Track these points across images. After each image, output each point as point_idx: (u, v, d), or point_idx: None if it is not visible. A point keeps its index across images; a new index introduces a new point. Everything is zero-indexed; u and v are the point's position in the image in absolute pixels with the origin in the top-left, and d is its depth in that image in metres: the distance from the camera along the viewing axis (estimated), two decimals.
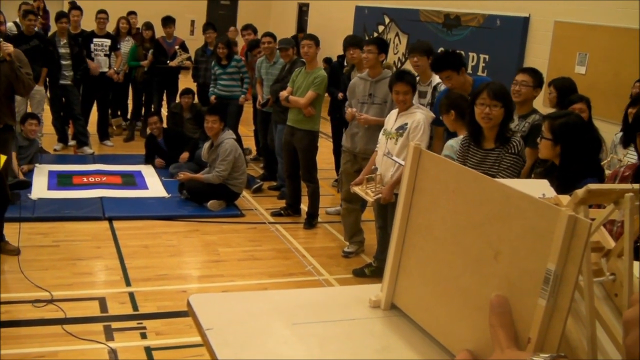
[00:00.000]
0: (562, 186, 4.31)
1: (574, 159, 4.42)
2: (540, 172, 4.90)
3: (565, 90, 6.64)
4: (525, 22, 12.68)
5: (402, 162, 6.09)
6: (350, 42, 8.80)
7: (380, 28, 17.31)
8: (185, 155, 10.56)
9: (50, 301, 6.12)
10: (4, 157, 6.60)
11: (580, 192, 1.36)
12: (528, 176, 5.45)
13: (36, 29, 12.33)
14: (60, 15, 11.46)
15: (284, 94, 8.51)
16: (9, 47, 7.02)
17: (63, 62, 11.18)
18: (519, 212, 1.23)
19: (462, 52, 10.81)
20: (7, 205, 7.21)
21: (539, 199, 1.22)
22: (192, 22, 24.10)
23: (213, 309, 1.60)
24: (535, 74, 6.28)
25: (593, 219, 1.34)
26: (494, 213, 1.29)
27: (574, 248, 1.12)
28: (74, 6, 12.39)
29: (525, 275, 1.18)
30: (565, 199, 1.50)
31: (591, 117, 6.29)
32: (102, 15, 12.11)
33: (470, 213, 1.36)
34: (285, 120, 8.98)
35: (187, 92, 11.76)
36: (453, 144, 5.63)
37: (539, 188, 1.69)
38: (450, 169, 1.45)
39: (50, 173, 9.90)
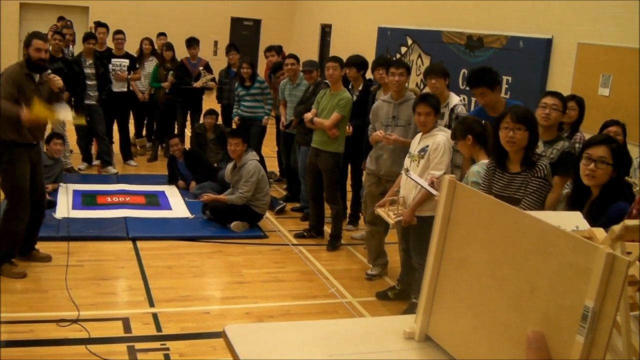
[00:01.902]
0: (594, 211, 4.30)
1: (615, 182, 4.40)
2: (568, 203, 4.83)
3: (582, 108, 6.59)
4: (548, 43, 12.65)
5: (420, 181, 6.08)
6: (379, 62, 8.78)
7: (403, 49, 17.33)
8: (193, 184, 10.59)
9: (75, 321, 6.14)
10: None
11: (617, 228, 1.36)
12: (556, 209, 5.34)
13: (72, 51, 12.52)
14: (88, 36, 11.57)
15: (308, 115, 8.53)
16: (59, 82, 7.18)
17: (88, 82, 11.27)
18: (555, 248, 1.23)
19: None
20: (43, 215, 7.49)
21: (576, 236, 1.22)
22: (215, 42, 24.28)
23: (249, 340, 1.60)
24: (562, 98, 6.14)
25: (629, 253, 1.35)
26: (530, 248, 1.29)
27: (612, 285, 1.12)
28: (100, 24, 12.51)
29: (563, 311, 1.18)
30: (598, 232, 1.50)
31: (626, 142, 6.23)
32: (119, 35, 12.21)
33: (506, 247, 1.36)
34: (308, 142, 9.01)
35: (211, 112, 11.82)
36: (479, 169, 5.57)
37: (572, 220, 1.69)
38: (486, 202, 1.46)
39: (75, 192, 9.96)
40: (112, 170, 11.62)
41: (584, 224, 1.71)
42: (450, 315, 1.55)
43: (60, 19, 18.79)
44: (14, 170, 6.92)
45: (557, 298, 1.22)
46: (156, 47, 13.12)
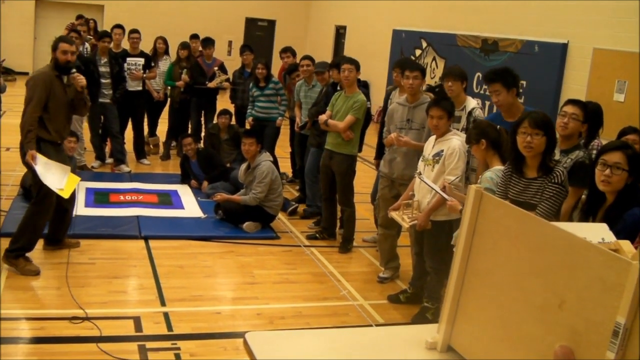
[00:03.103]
0: (609, 217, 4.26)
1: (631, 188, 4.38)
2: (582, 209, 4.79)
3: (595, 114, 6.49)
4: (563, 48, 12.63)
5: (433, 185, 6.06)
6: (397, 63, 8.72)
7: (418, 52, 17.32)
8: (205, 184, 10.60)
9: (87, 318, 6.15)
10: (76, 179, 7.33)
11: None
12: (571, 216, 5.28)
13: (87, 48, 12.54)
14: (103, 35, 11.61)
15: (323, 117, 8.51)
16: (83, 80, 7.27)
17: (103, 81, 11.29)
18: (584, 262, 1.21)
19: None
20: (72, 206, 7.71)
21: (607, 250, 1.20)
22: (230, 42, 24.30)
23: (270, 347, 1.59)
24: (584, 107, 5.92)
25: None
26: (558, 261, 1.27)
27: None
28: (116, 25, 12.54)
29: (592, 327, 1.16)
30: (625, 244, 1.47)
31: None
32: (134, 34, 12.24)
33: (533, 259, 1.34)
34: (319, 144, 9.00)
35: (225, 112, 11.83)
36: (492, 175, 5.52)
37: (598, 232, 1.66)
38: (512, 213, 1.44)
39: (88, 190, 9.97)
40: (125, 168, 11.64)
41: (609, 236, 1.69)
42: (474, 326, 1.53)
43: (79, 17, 18.87)
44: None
45: (586, 313, 1.19)
46: (192, 48, 13.09)
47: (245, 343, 1.61)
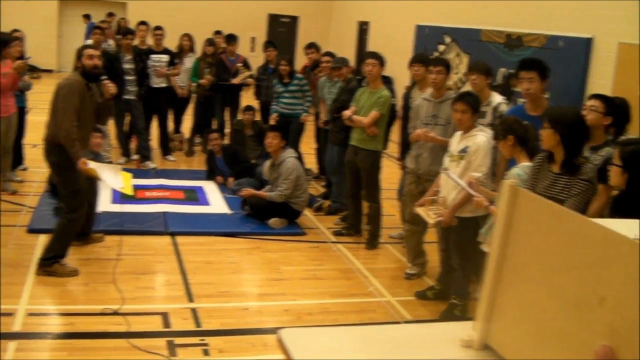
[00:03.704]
0: (628, 214, 4.24)
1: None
2: (613, 204, 4.78)
3: (622, 109, 6.42)
4: (588, 43, 12.54)
5: (459, 181, 6.05)
6: (417, 59, 8.68)
7: (441, 48, 17.26)
8: (231, 180, 10.65)
9: (116, 313, 6.20)
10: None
11: None
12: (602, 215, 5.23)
13: (110, 44, 12.61)
14: (126, 32, 11.68)
15: (347, 113, 8.51)
16: (112, 89, 7.38)
17: (127, 78, 11.35)
18: (621, 257, 1.20)
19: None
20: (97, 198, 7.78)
21: None
22: (253, 39, 24.31)
23: (303, 344, 1.59)
24: (606, 100, 5.85)
25: None
26: (593, 256, 1.27)
27: None
28: (141, 22, 12.61)
29: (634, 325, 1.15)
30: None
31: None
32: (158, 31, 12.30)
33: (568, 255, 1.34)
34: (339, 140, 9.03)
35: (249, 109, 11.87)
36: (519, 172, 5.49)
37: (631, 228, 1.66)
38: (548, 208, 1.44)
39: None
40: (150, 165, 11.70)
41: None
42: (510, 323, 1.53)
43: (110, 14, 19.07)
44: (71, 173, 7.05)
45: (627, 311, 1.18)
46: (216, 44, 13.12)
47: (279, 340, 1.62)
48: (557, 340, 1.36)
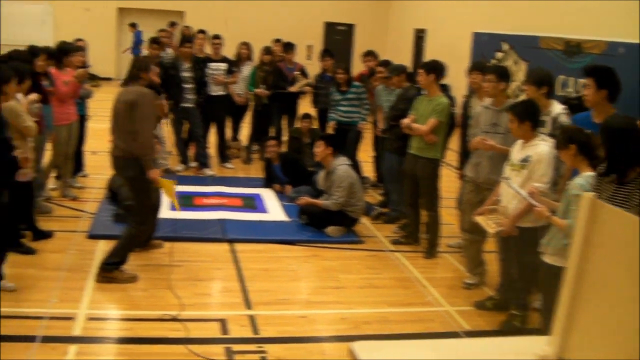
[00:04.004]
0: None
1: None
2: None
3: None
4: None
5: (521, 191, 5.94)
6: (475, 67, 8.61)
7: (499, 55, 17.09)
8: (288, 188, 10.66)
9: (175, 319, 6.22)
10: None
11: None
12: None
13: (168, 52, 12.74)
14: (184, 40, 11.76)
15: (405, 121, 8.45)
16: (166, 108, 7.49)
17: (185, 86, 11.43)
18: None
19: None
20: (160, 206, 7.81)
21: None
22: (310, 47, 24.37)
23: (376, 357, 1.55)
24: None
25: None
26: None
27: None
28: (199, 30, 12.70)
29: None
30: None
31: None
32: (216, 40, 12.36)
33: None
34: (396, 149, 9.00)
35: (306, 116, 11.88)
36: (582, 182, 5.36)
37: None
38: (630, 222, 1.37)
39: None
40: (208, 172, 11.76)
41: None
42: (589, 339, 1.46)
43: (173, 24, 19.33)
44: (146, 185, 7.20)
45: None
46: (274, 52, 13.16)
47: (351, 353, 1.57)
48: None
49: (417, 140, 8.39)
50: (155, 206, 7.63)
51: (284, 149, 11.83)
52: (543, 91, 6.82)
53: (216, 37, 12.41)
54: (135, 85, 7.15)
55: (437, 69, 8.38)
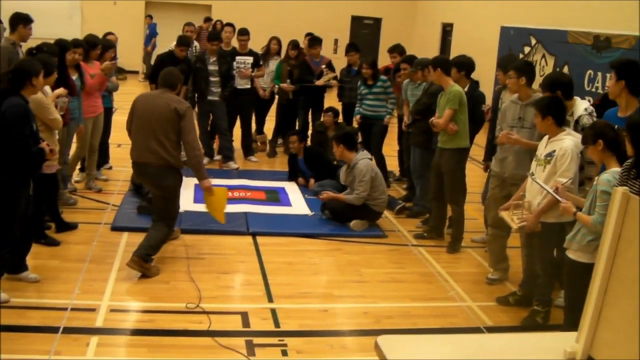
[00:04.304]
0: None
1: None
2: None
3: None
4: None
5: (546, 187, 5.89)
6: (498, 63, 8.61)
7: (526, 49, 16.96)
8: (312, 182, 10.67)
9: (197, 312, 6.24)
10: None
11: None
12: None
13: (196, 47, 12.77)
14: (212, 37, 11.74)
15: (431, 120, 8.44)
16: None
17: (212, 79, 11.44)
18: None
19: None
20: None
21: None
22: (336, 41, 24.33)
23: (402, 351, 1.53)
24: None
25: None
26: None
27: None
28: (227, 23, 12.69)
29: None
30: None
31: None
32: (243, 37, 12.29)
33: None
34: (420, 143, 9.11)
35: (329, 110, 11.84)
36: (609, 178, 5.29)
37: None
38: None
39: (196, 186, 10.03)
40: (233, 165, 11.77)
41: None
42: (617, 336, 1.43)
43: (207, 19, 19.42)
44: (179, 195, 7.43)
45: None
46: (303, 47, 13.14)
47: (377, 347, 1.55)
48: None
49: (441, 134, 8.36)
50: None
51: (308, 142, 11.81)
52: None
53: (243, 33, 12.35)
54: (170, 94, 7.21)
55: (442, 63, 8.46)
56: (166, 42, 15.78)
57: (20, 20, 8.63)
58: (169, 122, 6.99)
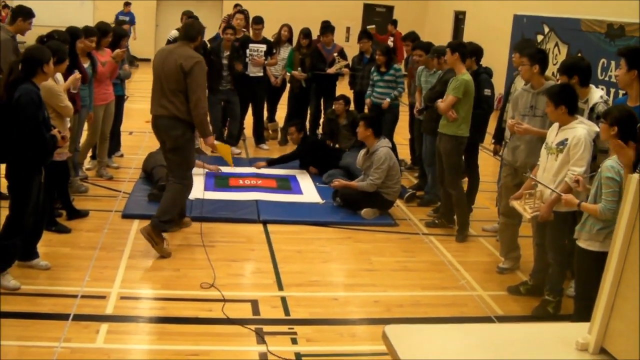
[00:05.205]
0: None
1: None
2: None
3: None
4: None
5: (545, 183, 5.89)
6: (515, 47, 8.54)
7: (539, 37, 16.87)
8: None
9: (208, 299, 6.22)
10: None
11: None
12: None
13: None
14: (228, 27, 11.71)
15: (438, 101, 8.42)
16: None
17: (224, 73, 11.44)
18: None
19: None
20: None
21: None
22: (348, 28, 24.25)
23: (410, 341, 1.51)
24: None
25: None
26: None
27: None
28: (239, 10, 12.65)
29: None
30: None
31: None
32: (257, 26, 12.26)
33: None
34: (431, 130, 8.95)
35: (340, 98, 11.79)
36: (613, 164, 5.27)
37: None
38: None
39: (208, 174, 10.11)
40: (234, 150, 11.68)
41: None
42: (631, 327, 1.40)
43: (237, 6, 19.36)
44: (192, 147, 7.47)
45: None
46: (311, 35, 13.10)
47: (385, 336, 1.53)
48: None
49: (442, 118, 8.34)
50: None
51: (320, 130, 11.80)
52: (575, 80, 6.64)
53: (258, 22, 12.30)
54: (185, 47, 7.20)
55: (461, 48, 8.34)
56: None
57: (21, 14, 8.60)
58: (176, 78, 7.04)
